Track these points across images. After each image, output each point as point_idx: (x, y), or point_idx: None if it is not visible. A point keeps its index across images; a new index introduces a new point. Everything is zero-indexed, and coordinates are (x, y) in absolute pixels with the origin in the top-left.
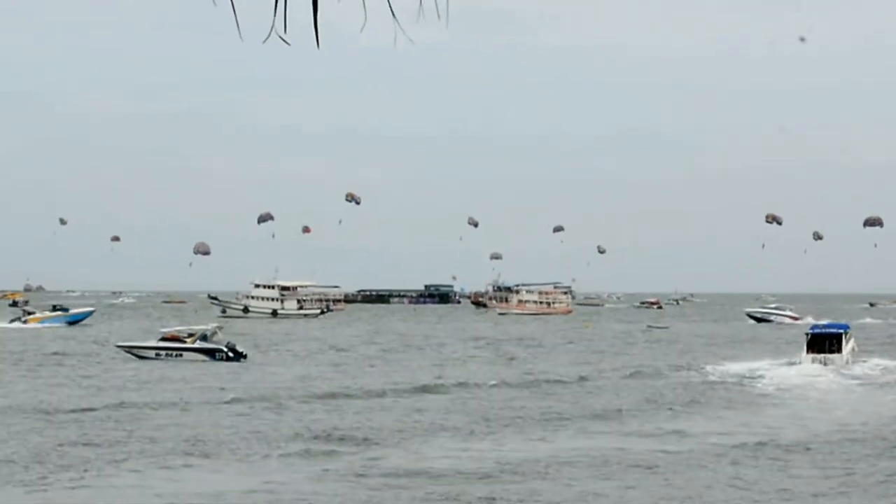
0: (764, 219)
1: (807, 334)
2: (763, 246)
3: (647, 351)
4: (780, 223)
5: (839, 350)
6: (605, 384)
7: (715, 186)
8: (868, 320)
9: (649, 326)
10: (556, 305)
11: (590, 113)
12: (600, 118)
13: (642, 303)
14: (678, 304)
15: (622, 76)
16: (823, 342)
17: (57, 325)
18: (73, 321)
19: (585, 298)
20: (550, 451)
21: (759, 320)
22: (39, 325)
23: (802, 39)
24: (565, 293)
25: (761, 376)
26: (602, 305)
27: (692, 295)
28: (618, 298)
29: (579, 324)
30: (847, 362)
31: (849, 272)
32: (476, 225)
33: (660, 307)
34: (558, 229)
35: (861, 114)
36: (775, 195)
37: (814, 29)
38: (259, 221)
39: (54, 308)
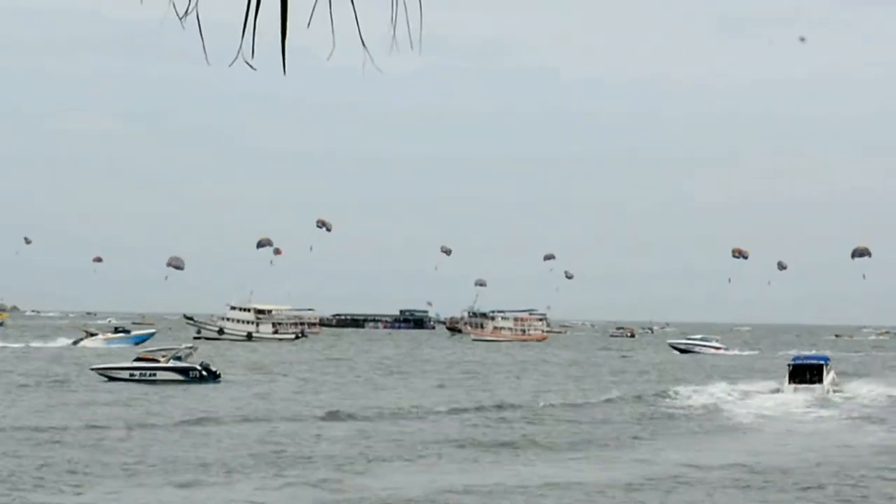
0: (731, 253)
1: (789, 365)
2: (729, 280)
3: (622, 378)
4: (745, 257)
5: (820, 381)
6: (577, 411)
7: (696, 216)
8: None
9: (623, 356)
10: (531, 332)
11: (568, 137)
12: (579, 142)
13: (618, 329)
14: (652, 332)
15: (600, 100)
16: (805, 373)
17: (125, 345)
18: (139, 342)
19: (560, 326)
20: (525, 477)
21: (682, 351)
22: (108, 346)
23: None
24: (540, 320)
25: (742, 404)
26: (564, 332)
27: (667, 324)
28: (592, 326)
29: (558, 350)
30: (828, 392)
31: (818, 304)
32: (449, 253)
33: (632, 335)
34: (549, 257)
35: (835, 144)
36: (752, 226)
37: (783, 58)
38: (258, 247)
39: (116, 330)
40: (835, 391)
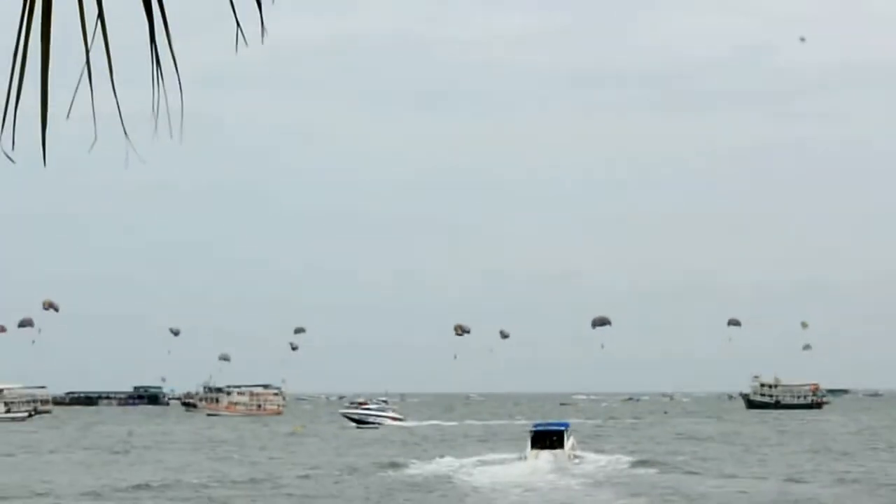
0: (454, 330)
1: (531, 431)
2: (455, 356)
3: (357, 450)
4: (468, 332)
5: (561, 446)
6: (306, 484)
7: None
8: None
9: (386, 425)
10: (267, 407)
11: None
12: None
13: (352, 402)
14: (387, 403)
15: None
16: (546, 439)
17: None
18: None
19: (297, 399)
20: None
21: (357, 422)
22: None
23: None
24: (276, 394)
25: (483, 472)
26: (285, 406)
27: (403, 396)
28: (340, 398)
29: (288, 425)
30: (569, 458)
31: (546, 372)
32: (177, 333)
33: (367, 406)
34: (299, 331)
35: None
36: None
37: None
38: (20, 326)
39: None
40: (575, 457)
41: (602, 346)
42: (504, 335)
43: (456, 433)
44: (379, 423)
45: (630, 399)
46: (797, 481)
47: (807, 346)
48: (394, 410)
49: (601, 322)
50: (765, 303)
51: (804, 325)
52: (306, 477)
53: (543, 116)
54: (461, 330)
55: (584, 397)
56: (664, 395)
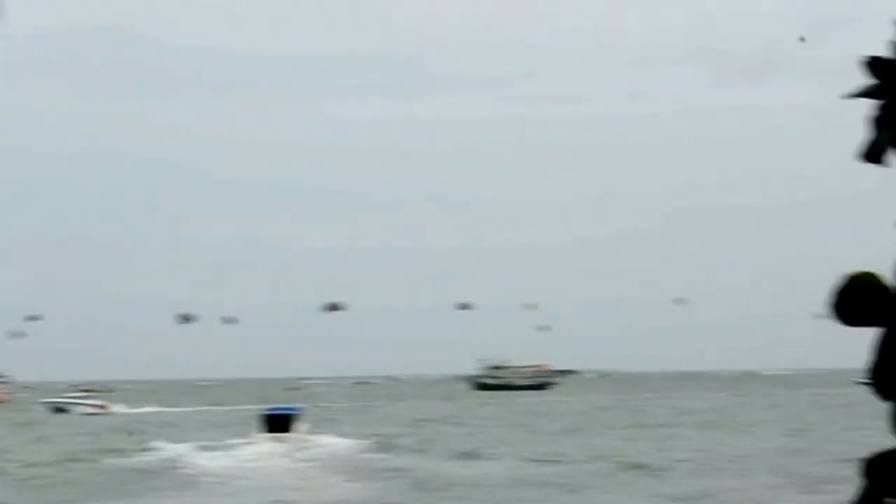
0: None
1: (262, 415)
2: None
3: (80, 438)
4: (194, 320)
5: (292, 430)
6: (33, 472)
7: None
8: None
9: (88, 413)
10: None
11: None
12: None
13: (83, 390)
14: (112, 392)
15: None
16: (277, 423)
17: None
18: None
19: (25, 388)
20: None
21: (59, 410)
22: None
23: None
24: (3, 383)
25: (210, 457)
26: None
27: (135, 382)
28: (60, 388)
29: (12, 413)
30: (300, 442)
31: (276, 356)
32: None
33: (93, 392)
34: (33, 318)
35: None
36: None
37: None
38: None
39: None
40: (306, 441)
41: (336, 329)
42: (230, 321)
43: (184, 419)
44: (81, 412)
45: (360, 383)
46: (533, 461)
47: (543, 328)
48: (100, 398)
49: (334, 307)
50: (494, 285)
51: (530, 306)
52: (30, 465)
53: None
54: (185, 318)
55: (314, 381)
56: (391, 378)
